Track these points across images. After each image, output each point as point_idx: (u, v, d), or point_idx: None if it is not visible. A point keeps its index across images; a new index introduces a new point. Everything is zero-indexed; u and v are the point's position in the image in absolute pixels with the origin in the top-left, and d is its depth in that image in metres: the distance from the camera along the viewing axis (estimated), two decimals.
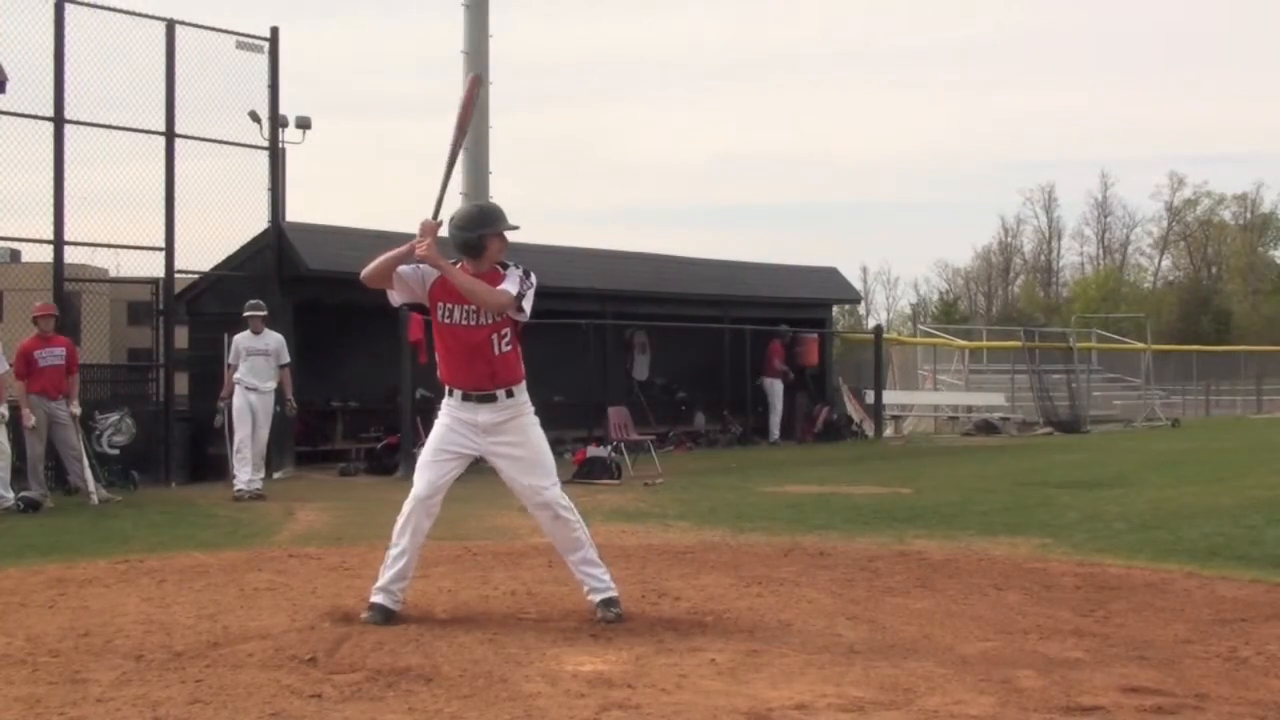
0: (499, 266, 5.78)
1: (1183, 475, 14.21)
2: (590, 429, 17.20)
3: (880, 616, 5.92)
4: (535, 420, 5.93)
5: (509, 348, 5.80)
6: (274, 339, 12.93)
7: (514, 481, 5.88)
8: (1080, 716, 4.22)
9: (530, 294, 5.70)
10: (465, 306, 5.73)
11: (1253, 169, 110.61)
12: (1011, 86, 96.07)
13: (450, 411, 5.87)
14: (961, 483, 13.49)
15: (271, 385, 12.83)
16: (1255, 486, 12.67)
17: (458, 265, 5.76)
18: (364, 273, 5.80)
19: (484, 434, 5.82)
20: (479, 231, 5.74)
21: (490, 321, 5.72)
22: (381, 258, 5.75)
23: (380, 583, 5.81)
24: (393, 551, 5.81)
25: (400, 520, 5.83)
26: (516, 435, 5.84)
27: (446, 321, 5.80)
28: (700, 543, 8.72)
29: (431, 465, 5.85)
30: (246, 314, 12.85)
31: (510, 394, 5.81)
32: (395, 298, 5.90)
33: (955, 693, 4.47)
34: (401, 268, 5.75)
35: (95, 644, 5.37)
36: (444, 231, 5.80)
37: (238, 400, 12.72)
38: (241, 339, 12.82)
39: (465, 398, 5.82)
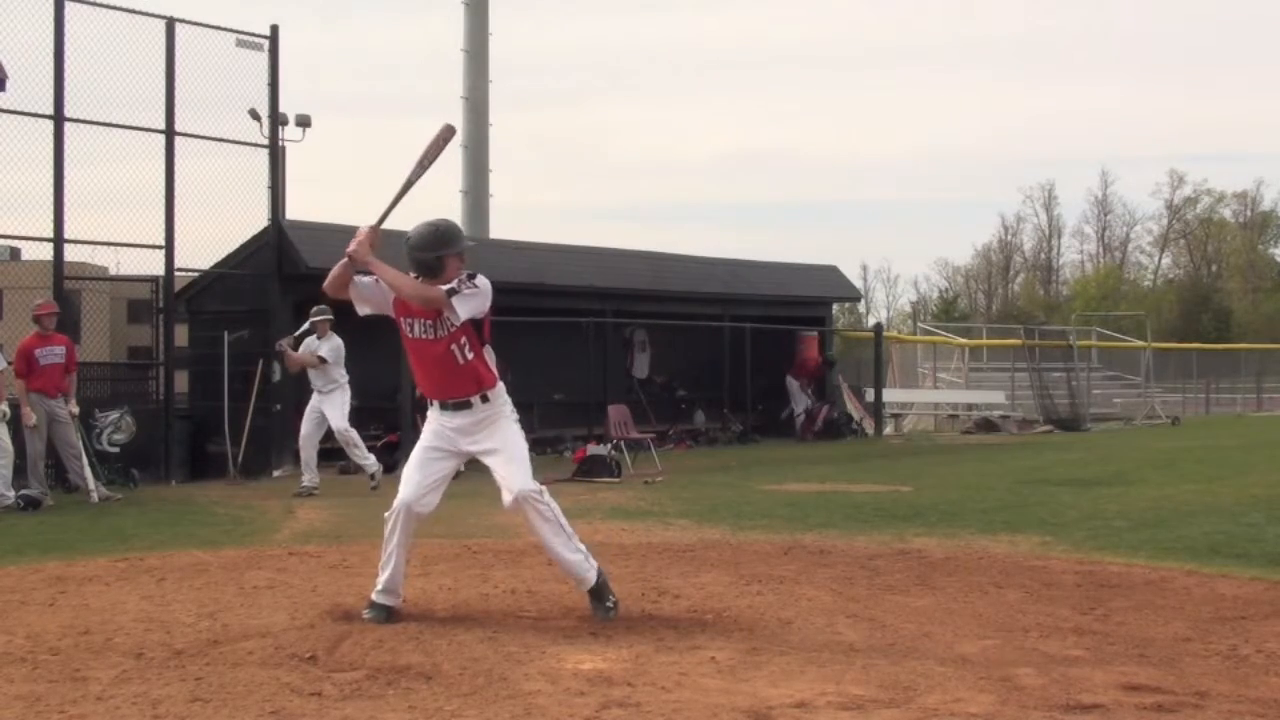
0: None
1: (1183, 473, 14.20)
2: (590, 427, 17.16)
3: (880, 614, 5.92)
4: (512, 418, 5.92)
5: (472, 355, 5.78)
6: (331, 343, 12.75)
7: (495, 474, 5.87)
8: (1080, 714, 4.22)
9: (472, 296, 5.64)
10: (423, 320, 5.74)
11: (1253, 167, 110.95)
12: (1011, 85, 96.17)
13: (433, 418, 5.93)
14: (961, 481, 13.48)
15: (329, 387, 12.72)
16: (1255, 484, 12.67)
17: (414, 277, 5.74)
18: (325, 283, 5.83)
19: (463, 436, 5.84)
20: (437, 252, 5.73)
21: (447, 333, 5.71)
22: (334, 268, 5.76)
23: (378, 585, 5.82)
24: (383, 558, 5.84)
25: (387, 527, 5.86)
26: (492, 433, 5.84)
27: (410, 335, 5.84)
28: (700, 541, 8.71)
29: (419, 467, 5.87)
30: (315, 319, 12.70)
31: (485, 399, 5.82)
32: (360, 308, 5.93)
33: (955, 690, 4.47)
34: (360, 279, 5.78)
35: (95, 642, 5.37)
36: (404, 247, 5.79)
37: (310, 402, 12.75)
38: (310, 343, 12.79)
39: (443, 406, 5.87)
